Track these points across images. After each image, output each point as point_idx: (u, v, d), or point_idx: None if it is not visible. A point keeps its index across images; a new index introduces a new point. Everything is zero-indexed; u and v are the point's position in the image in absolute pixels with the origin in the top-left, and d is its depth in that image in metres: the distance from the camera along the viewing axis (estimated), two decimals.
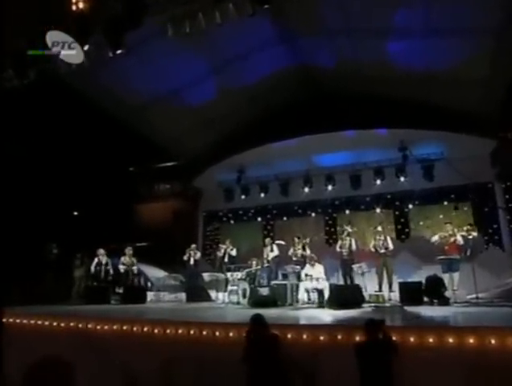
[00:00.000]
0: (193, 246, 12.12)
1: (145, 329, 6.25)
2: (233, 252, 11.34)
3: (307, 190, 13.41)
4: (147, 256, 12.55)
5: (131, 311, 8.65)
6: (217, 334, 5.76)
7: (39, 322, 7.21)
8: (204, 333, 5.84)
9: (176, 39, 8.40)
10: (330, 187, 13.13)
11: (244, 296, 9.43)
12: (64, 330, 6.92)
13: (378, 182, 12.52)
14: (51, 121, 10.86)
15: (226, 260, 11.23)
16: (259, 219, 14.78)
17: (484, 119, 10.08)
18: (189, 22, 7.73)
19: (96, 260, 11.31)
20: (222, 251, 11.48)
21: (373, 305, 8.74)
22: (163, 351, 5.92)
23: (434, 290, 8.58)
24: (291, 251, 10.54)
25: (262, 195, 14.07)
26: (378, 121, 10.95)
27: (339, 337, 5.24)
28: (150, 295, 11.71)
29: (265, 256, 10.82)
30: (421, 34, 9.00)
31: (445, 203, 12.17)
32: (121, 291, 11.24)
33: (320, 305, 8.64)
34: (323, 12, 9.25)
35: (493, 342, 4.69)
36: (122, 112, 11.70)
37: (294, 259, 10.34)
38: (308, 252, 10.22)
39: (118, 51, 7.81)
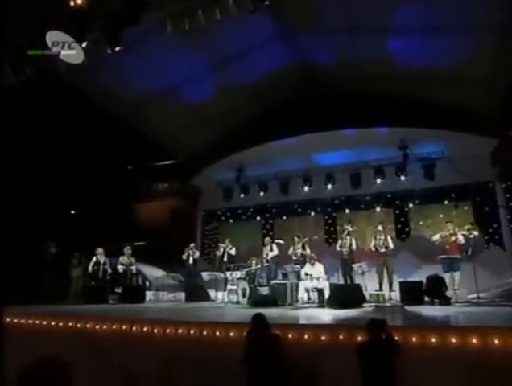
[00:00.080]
0: (192, 245, 12.07)
1: (144, 329, 6.18)
2: (233, 252, 11.31)
3: (306, 189, 13.36)
4: (146, 256, 12.46)
5: (130, 311, 8.59)
6: (217, 333, 5.70)
7: (37, 322, 7.14)
8: (204, 333, 5.78)
9: (175, 36, 8.36)
10: (330, 186, 13.10)
11: (243, 295, 9.38)
12: (63, 330, 6.85)
13: (379, 181, 12.47)
14: (47, 118, 10.75)
15: (225, 259, 11.21)
16: (258, 218, 14.71)
17: (485, 117, 10.01)
18: (188, 19, 7.66)
19: (94, 259, 11.25)
20: (221, 250, 11.45)
21: (373, 304, 8.71)
22: (163, 351, 5.86)
23: (435, 290, 8.55)
24: (290, 250, 10.51)
25: (262, 193, 14.01)
26: (379, 119, 10.88)
27: (340, 337, 5.19)
28: (148, 295, 11.63)
29: (264, 255, 10.77)
30: (422, 32, 8.93)
31: (446, 202, 12.12)
32: (119, 291, 11.17)
33: (321, 304, 8.60)
34: (323, 9, 9.17)
35: (495, 342, 4.65)
36: (120, 110, 11.61)
37: (294, 258, 10.33)
38: (308, 251, 10.19)
39: (117, 48, 7.73)
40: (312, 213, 13.75)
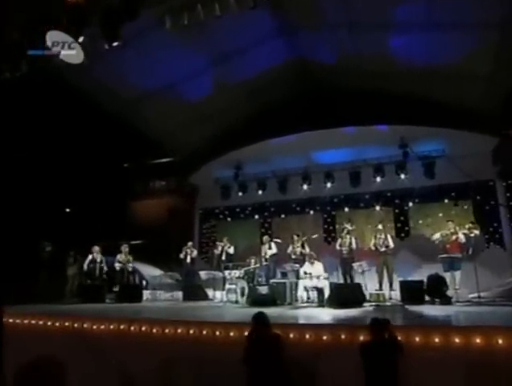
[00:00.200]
0: (190, 244, 11.99)
1: (143, 328, 6.12)
2: (231, 250, 11.26)
3: (305, 187, 13.25)
4: (143, 254, 12.38)
5: (127, 310, 8.53)
6: (217, 333, 5.65)
7: (33, 322, 7.07)
8: (204, 332, 5.73)
9: (173, 32, 8.22)
10: (329, 185, 13.01)
11: (242, 295, 9.32)
12: (60, 330, 6.78)
13: (378, 179, 12.40)
14: (42, 114, 10.60)
15: (224, 258, 11.14)
16: (256, 216, 14.59)
17: (486, 115, 9.95)
18: (188, 14, 7.54)
19: (89, 257, 11.16)
20: (220, 249, 11.37)
21: (373, 304, 8.66)
22: (162, 351, 5.80)
23: (436, 289, 8.52)
24: (290, 249, 10.45)
25: (260, 192, 13.91)
26: (379, 117, 10.80)
27: (342, 337, 5.17)
28: (146, 294, 11.53)
29: (263, 254, 10.71)
30: (423, 29, 8.85)
31: (446, 200, 12.05)
32: (117, 289, 11.08)
33: (320, 304, 8.55)
34: (323, 5, 9.07)
35: (499, 342, 4.63)
36: (117, 107, 11.46)
37: (293, 257, 10.26)
38: (308, 249, 10.12)
39: (114, 43, 7.61)
40: (311, 212, 13.65)
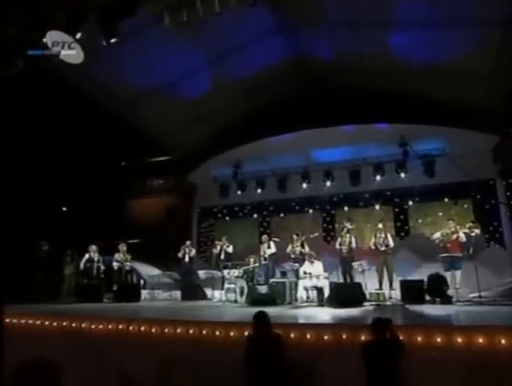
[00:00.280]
0: (188, 243, 11.92)
1: (142, 328, 6.05)
2: (230, 249, 11.19)
3: (304, 186, 13.20)
4: (140, 254, 12.31)
5: (125, 310, 8.47)
6: (217, 333, 5.59)
7: (30, 322, 6.99)
8: (204, 332, 5.66)
9: (172, 29, 8.13)
10: (328, 183, 12.93)
11: (241, 294, 9.27)
12: (57, 330, 6.71)
13: (378, 178, 12.36)
14: (38, 112, 10.51)
15: (222, 257, 11.07)
16: (255, 215, 14.51)
17: (486, 114, 9.91)
18: (186, 11, 7.47)
19: (86, 256, 11.09)
20: (218, 248, 11.30)
21: (374, 303, 8.62)
22: (161, 351, 5.74)
23: (436, 289, 8.49)
24: (289, 248, 10.38)
25: (259, 190, 13.84)
26: (379, 115, 10.76)
27: (344, 336, 5.13)
28: (144, 293, 11.47)
29: (262, 253, 10.65)
30: (423, 26, 8.77)
31: (446, 199, 12.01)
32: (115, 289, 11.01)
33: (320, 303, 8.51)
34: (323, 2, 9.01)
35: (501, 341, 4.59)
36: (115, 105, 11.36)
37: (292, 256, 10.21)
38: (307, 249, 10.07)
39: (112, 40, 7.53)
40: (311, 210, 13.59)
